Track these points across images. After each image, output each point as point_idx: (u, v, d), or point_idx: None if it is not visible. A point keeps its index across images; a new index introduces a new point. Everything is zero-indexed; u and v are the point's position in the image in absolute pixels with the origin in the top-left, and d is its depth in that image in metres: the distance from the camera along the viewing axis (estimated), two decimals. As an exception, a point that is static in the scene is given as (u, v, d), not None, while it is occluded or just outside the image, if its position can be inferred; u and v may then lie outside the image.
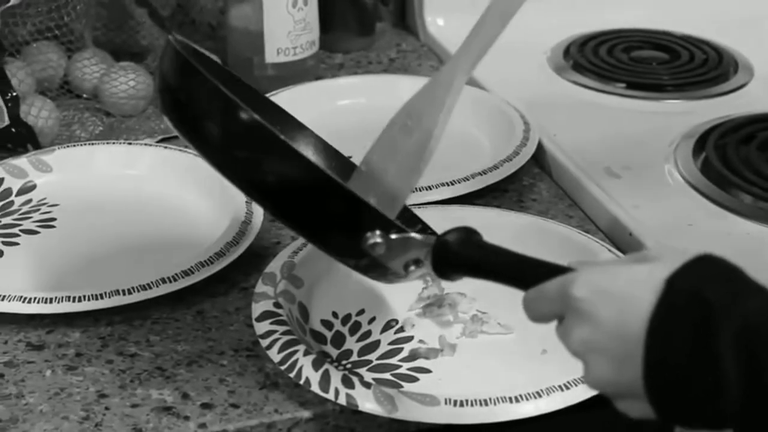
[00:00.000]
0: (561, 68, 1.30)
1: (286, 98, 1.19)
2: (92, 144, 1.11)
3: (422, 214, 0.89)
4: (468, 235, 0.70)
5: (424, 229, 0.86)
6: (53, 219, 1.02)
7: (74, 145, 1.10)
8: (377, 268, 0.73)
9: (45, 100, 1.15)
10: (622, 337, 0.58)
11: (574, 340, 0.61)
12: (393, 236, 0.70)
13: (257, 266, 0.94)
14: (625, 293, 0.59)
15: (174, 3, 1.37)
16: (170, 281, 0.90)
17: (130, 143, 1.11)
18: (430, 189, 1.01)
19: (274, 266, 0.91)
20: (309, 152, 0.91)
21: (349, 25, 1.37)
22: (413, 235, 0.71)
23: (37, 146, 1.11)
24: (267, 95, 1.16)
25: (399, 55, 1.38)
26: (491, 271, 0.69)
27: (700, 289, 0.57)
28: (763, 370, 0.54)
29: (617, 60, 1.30)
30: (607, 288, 0.60)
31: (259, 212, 0.98)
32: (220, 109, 0.71)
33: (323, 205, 0.71)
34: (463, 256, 0.70)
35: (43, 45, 1.21)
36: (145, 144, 1.11)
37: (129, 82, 1.18)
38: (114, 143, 1.11)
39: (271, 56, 1.24)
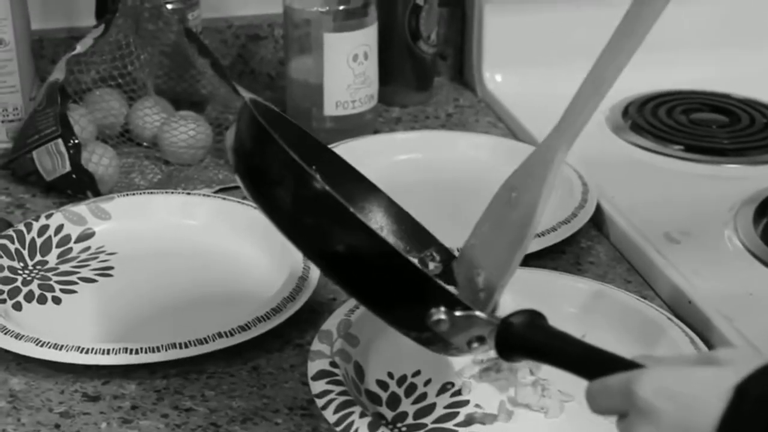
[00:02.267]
0: (619, 128, 1.30)
1: (343, 151, 1.18)
2: (151, 193, 1.11)
3: None
4: (533, 318, 0.70)
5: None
6: (111, 267, 1.03)
7: (133, 194, 1.11)
8: (439, 342, 0.73)
9: (106, 147, 1.16)
10: None
11: None
12: (457, 314, 0.71)
13: (313, 323, 0.94)
14: (692, 397, 0.58)
15: (235, 53, 1.38)
16: (227, 336, 0.90)
17: (188, 193, 1.11)
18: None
19: (331, 324, 0.91)
20: (379, 216, 0.90)
21: (408, 79, 1.37)
22: (478, 314, 0.71)
23: (97, 193, 1.12)
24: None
25: (456, 110, 1.38)
26: (555, 358, 0.68)
27: None
28: None
29: (676, 122, 1.30)
30: (674, 390, 0.59)
31: (316, 268, 0.98)
32: (293, 179, 0.72)
33: (388, 279, 0.71)
34: (527, 340, 0.70)
35: (105, 92, 1.22)
36: (203, 194, 1.11)
37: (189, 132, 1.19)
38: (172, 192, 1.12)
39: (329, 109, 1.25)
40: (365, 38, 1.24)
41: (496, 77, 1.40)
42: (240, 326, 0.90)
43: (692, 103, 1.34)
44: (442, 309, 0.70)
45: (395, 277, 0.71)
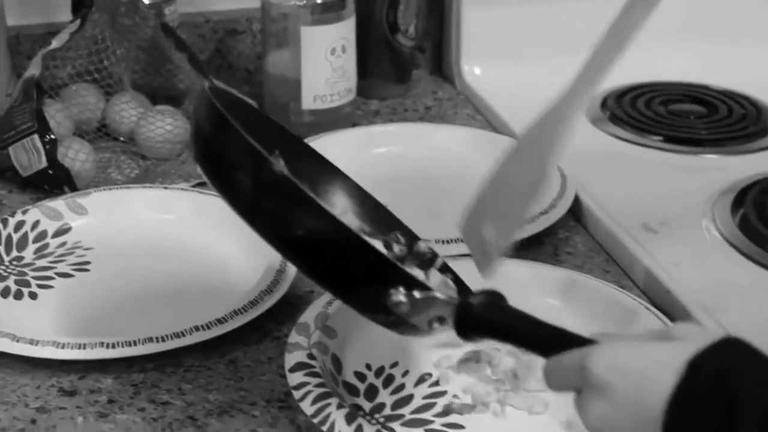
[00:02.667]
0: (598, 120, 1.30)
1: (321, 144, 1.18)
2: (128, 188, 1.11)
3: (457, 265, 0.88)
4: (492, 298, 0.71)
5: (456, 280, 0.85)
6: (88, 262, 1.02)
7: (110, 188, 1.11)
8: (402, 325, 0.73)
9: (83, 142, 1.16)
10: (639, 417, 0.58)
11: (590, 416, 0.61)
12: (417, 295, 0.71)
13: (291, 315, 0.94)
14: (645, 373, 0.58)
15: (212, 47, 1.38)
16: (204, 329, 0.89)
17: (165, 187, 1.11)
18: (466, 240, 1.01)
19: (308, 316, 0.90)
20: (343, 199, 0.91)
21: (386, 72, 1.37)
22: (437, 295, 0.71)
23: (74, 189, 1.12)
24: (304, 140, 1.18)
25: (435, 103, 1.38)
26: (512, 336, 0.69)
27: (723, 374, 0.55)
28: None
29: (655, 113, 1.30)
30: (627, 365, 0.59)
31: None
32: (251, 163, 0.72)
33: (347, 261, 0.71)
34: (485, 320, 0.70)
35: (82, 87, 1.22)
36: (181, 189, 1.11)
37: (166, 126, 1.19)
38: (150, 187, 1.11)
39: (307, 103, 1.25)
40: (343, 31, 1.24)
41: (475, 70, 1.40)
42: (217, 319, 0.90)
43: (671, 94, 1.34)
44: (402, 290, 0.71)
45: (354, 259, 0.71)
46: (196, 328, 0.89)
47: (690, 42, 1.40)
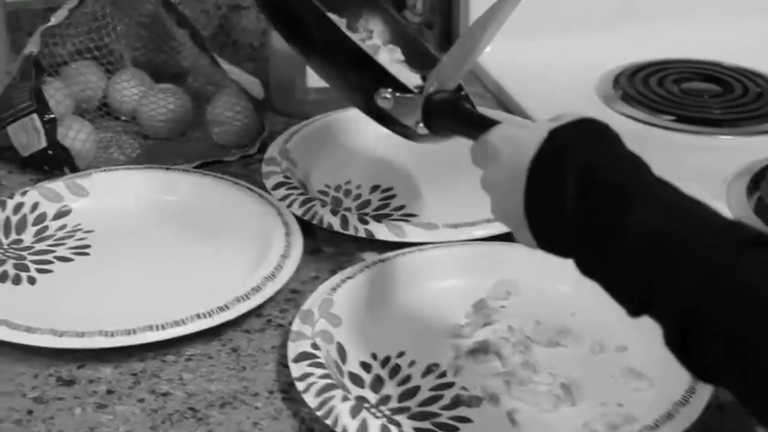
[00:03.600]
0: (610, 98, 1.27)
1: (328, 123, 1.17)
2: (129, 169, 1.09)
3: (470, 250, 0.93)
4: (451, 96, 0.87)
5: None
6: (88, 246, 1.00)
7: (111, 170, 1.08)
8: (397, 123, 0.88)
9: (83, 122, 1.13)
10: (514, 174, 0.71)
11: (484, 177, 0.75)
12: (398, 94, 0.86)
13: (295, 302, 0.92)
14: (523, 138, 0.71)
15: (216, 23, 1.35)
16: (205, 317, 0.87)
17: (168, 168, 1.08)
18: (474, 225, 0.99)
19: (312, 303, 0.88)
20: (379, 24, 1.05)
21: (393, 49, 1.34)
22: (412, 95, 0.87)
23: (74, 169, 1.09)
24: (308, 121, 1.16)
25: (443, 80, 1.34)
26: (456, 127, 0.84)
27: (565, 141, 0.69)
28: (595, 205, 0.66)
29: (668, 92, 1.27)
30: (512, 134, 0.74)
31: (298, 245, 0.96)
32: None
33: (351, 63, 0.89)
34: (439, 112, 0.85)
35: (82, 65, 1.19)
36: (183, 170, 1.08)
37: (168, 105, 1.16)
38: (152, 168, 1.09)
39: (313, 80, 1.22)
40: (350, 7, 1.21)
41: (485, 47, 1.36)
42: (219, 307, 0.88)
43: (684, 73, 1.31)
44: (389, 90, 0.87)
45: (355, 62, 0.89)
46: (198, 316, 0.87)
47: (702, 19, 1.36)
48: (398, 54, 1.01)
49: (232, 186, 1.04)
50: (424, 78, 0.97)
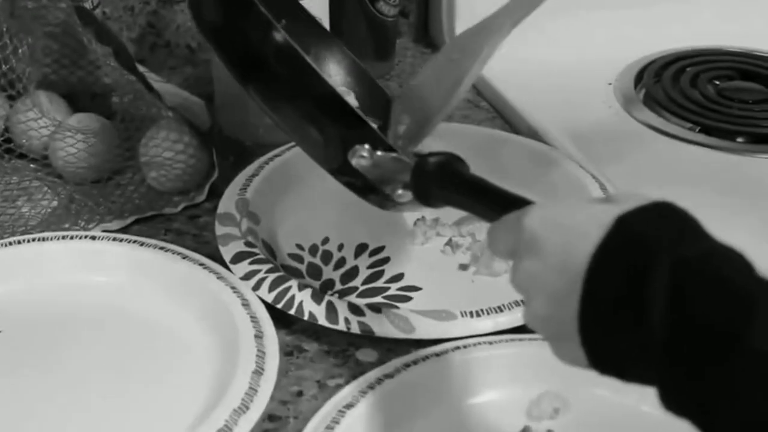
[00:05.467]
0: (630, 102, 1.05)
1: (293, 160, 0.95)
2: (42, 240, 0.84)
3: (503, 351, 0.75)
4: (449, 159, 0.70)
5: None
6: (-8, 349, 0.76)
7: (19, 242, 0.84)
8: (371, 191, 0.73)
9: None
10: (564, 272, 0.57)
11: (519, 272, 0.60)
12: (378, 153, 0.71)
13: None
14: (575, 225, 0.57)
15: (144, 22, 1.10)
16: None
17: (93, 237, 0.84)
18: (500, 311, 0.77)
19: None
20: (331, 63, 0.90)
21: (365, 48, 1.10)
22: (396, 154, 0.71)
23: (-31, 237, 0.85)
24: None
25: (424, 80, 1.12)
26: (461, 200, 0.69)
27: (644, 230, 0.55)
28: (692, 312, 0.51)
29: (702, 95, 1.05)
30: (558, 219, 0.59)
31: (273, 352, 0.73)
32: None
33: (321, 110, 0.72)
34: (437, 180, 0.70)
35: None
36: (114, 238, 0.84)
37: (89, 139, 0.92)
38: (72, 237, 0.84)
39: (269, 97, 0.98)
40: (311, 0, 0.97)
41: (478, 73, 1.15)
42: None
43: (722, 68, 1.10)
44: (366, 147, 0.71)
45: (326, 109, 0.72)
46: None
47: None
48: (352, 99, 0.88)
49: (178, 261, 0.81)
50: (382, 128, 0.82)
